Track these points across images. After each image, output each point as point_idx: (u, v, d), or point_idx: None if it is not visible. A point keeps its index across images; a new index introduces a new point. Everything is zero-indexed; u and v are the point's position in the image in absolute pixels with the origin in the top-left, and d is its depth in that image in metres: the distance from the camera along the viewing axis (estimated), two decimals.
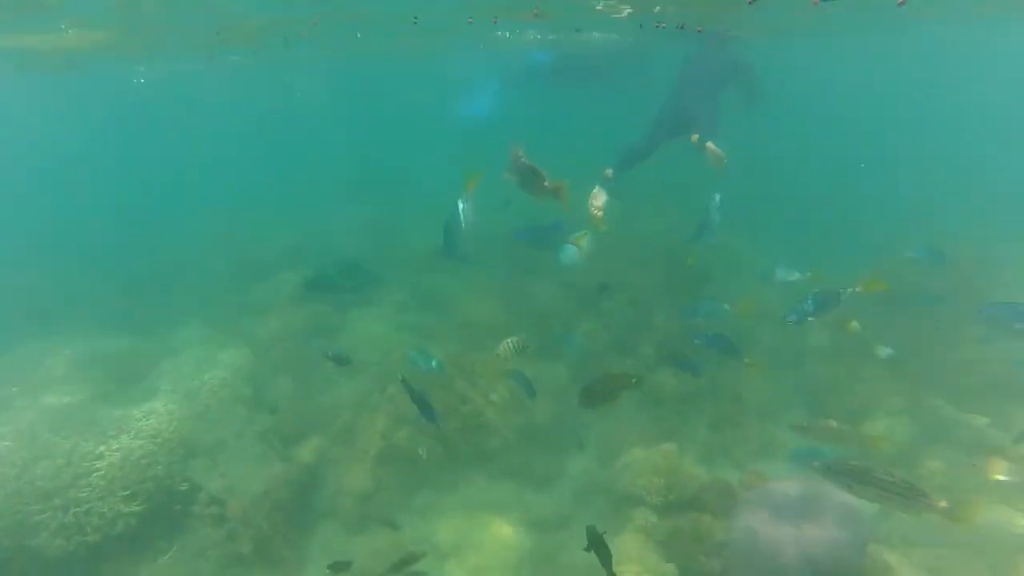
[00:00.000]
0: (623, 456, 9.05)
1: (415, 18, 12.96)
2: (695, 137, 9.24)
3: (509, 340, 7.84)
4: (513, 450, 10.15)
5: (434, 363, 8.83)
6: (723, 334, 8.98)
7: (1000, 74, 31.05)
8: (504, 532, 8.87)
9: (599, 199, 9.34)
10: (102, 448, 8.77)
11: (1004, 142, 25.77)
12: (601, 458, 10.06)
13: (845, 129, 29.52)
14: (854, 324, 10.00)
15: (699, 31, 13.90)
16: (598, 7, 12.90)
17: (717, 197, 10.32)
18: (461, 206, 8.45)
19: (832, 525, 6.63)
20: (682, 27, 13.88)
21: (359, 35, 16.64)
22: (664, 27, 14.25)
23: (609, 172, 10.32)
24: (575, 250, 9.28)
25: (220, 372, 11.01)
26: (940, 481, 8.25)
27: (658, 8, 12.75)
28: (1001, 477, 8.06)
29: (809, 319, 7.80)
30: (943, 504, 4.71)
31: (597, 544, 5.56)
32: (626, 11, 13.24)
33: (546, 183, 5.64)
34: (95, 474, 8.49)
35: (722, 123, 10.20)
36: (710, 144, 8.83)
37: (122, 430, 9.12)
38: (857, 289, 7.51)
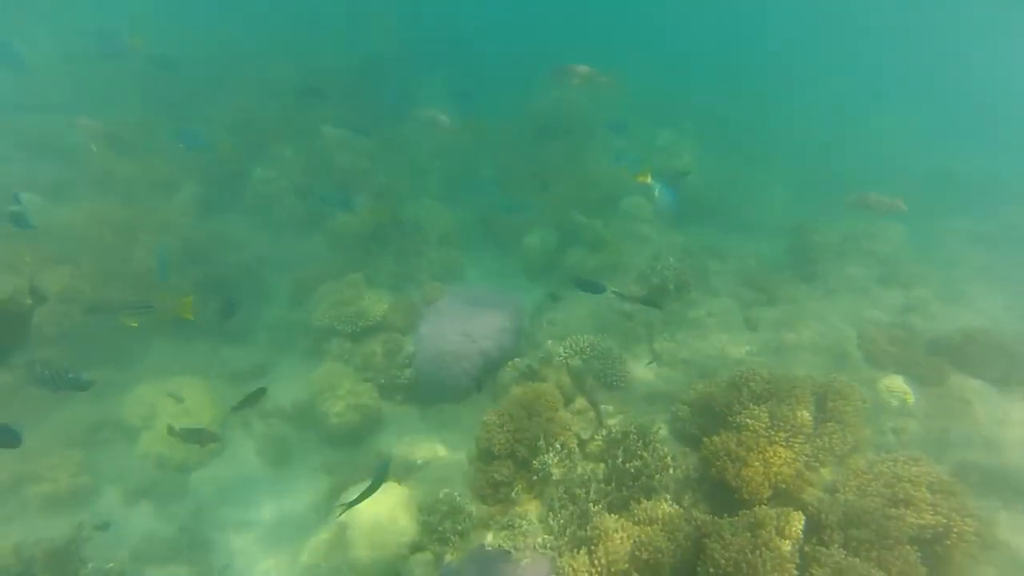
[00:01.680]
0: (313, 294, 9.13)
1: None
2: None
3: None
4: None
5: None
6: None
7: None
8: (200, 390, 8.42)
9: None
10: None
11: None
12: (293, 301, 10.00)
13: None
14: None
15: None
16: None
17: None
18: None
19: (493, 318, 7.93)
20: None
21: None
22: None
23: None
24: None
25: None
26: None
27: None
28: None
29: None
30: None
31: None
32: None
33: None
34: None
35: None
36: None
37: None
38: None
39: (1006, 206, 14.17)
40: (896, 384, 7.32)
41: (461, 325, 7.86)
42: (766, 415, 5.05)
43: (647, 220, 12.05)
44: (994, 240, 13.07)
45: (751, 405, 5.27)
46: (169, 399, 8.08)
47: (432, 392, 8.01)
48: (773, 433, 4.93)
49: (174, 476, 7.79)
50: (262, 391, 6.21)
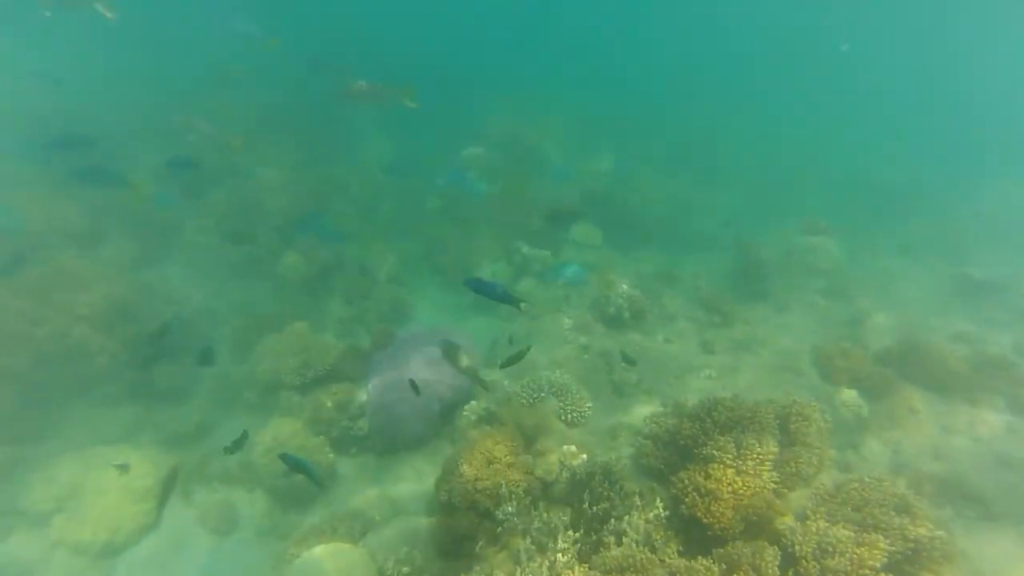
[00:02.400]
0: (257, 345, 8.63)
1: None
2: None
3: None
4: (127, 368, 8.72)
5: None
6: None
7: None
8: (132, 460, 7.71)
9: None
10: None
11: None
12: (235, 353, 9.43)
13: None
14: None
15: None
16: None
17: None
18: None
19: (446, 360, 7.65)
20: None
21: None
22: None
23: None
24: None
25: None
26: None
27: None
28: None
29: None
30: None
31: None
32: None
33: None
34: None
35: None
36: None
37: None
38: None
39: (919, 216, 15.02)
40: (851, 398, 7.43)
41: (414, 369, 7.54)
42: (732, 445, 4.95)
43: (596, 247, 12.10)
44: (914, 248, 13.71)
45: (716, 436, 5.17)
46: (111, 469, 7.39)
47: (387, 442, 7.63)
48: (741, 463, 4.83)
49: (96, 564, 7.04)
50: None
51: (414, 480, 7.46)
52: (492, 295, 5.73)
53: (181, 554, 7.26)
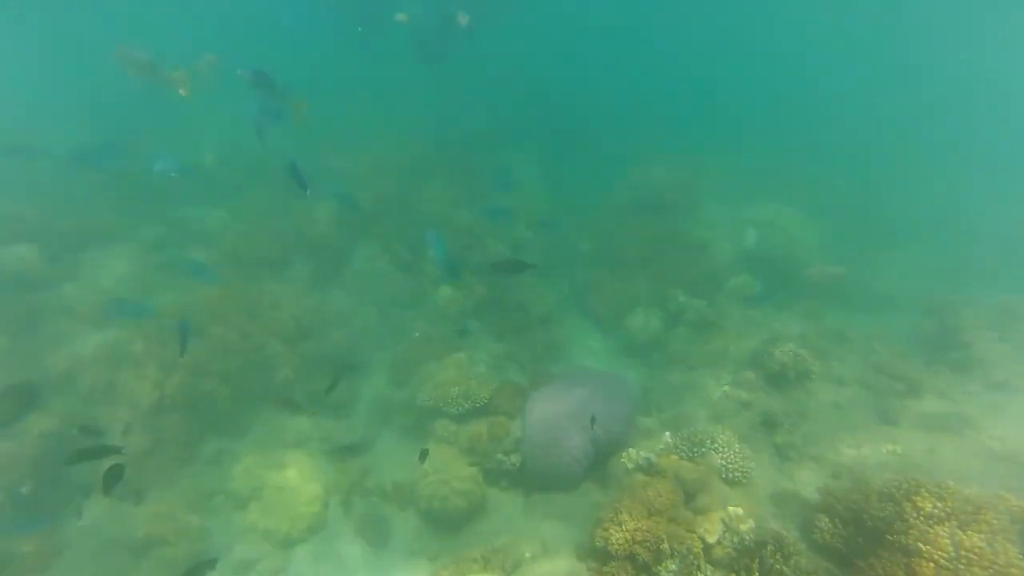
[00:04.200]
0: (417, 371, 9.21)
1: None
2: None
3: None
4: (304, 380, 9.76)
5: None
6: None
7: None
8: (305, 464, 8.57)
9: None
10: None
11: None
12: (393, 377, 10.12)
13: None
14: None
15: None
16: None
17: None
18: None
19: (603, 404, 7.63)
20: None
21: None
22: None
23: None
24: None
25: None
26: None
27: None
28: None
29: None
30: None
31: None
32: None
33: None
34: None
35: None
36: None
37: None
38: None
39: None
40: None
41: (570, 411, 7.62)
42: (947, 542, 4.37)
43: (754, 300, 11.51)
44: None
45: (921, 524, 4.60)
46: (291, 469, 8.29)
47: (539, 480, 7.71)
48: (963, 568, 4.20)
49: (277, 551, 7.84)
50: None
51: (562, 520, 7.42)
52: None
53: (342, 558, 7.86)
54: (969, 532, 4.46)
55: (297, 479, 8.30)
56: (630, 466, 6.94)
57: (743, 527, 5.59)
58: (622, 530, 5.69)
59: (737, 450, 7.09)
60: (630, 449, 7.23)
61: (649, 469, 6.68)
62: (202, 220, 12.91)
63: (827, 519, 5.57)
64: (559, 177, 16.19)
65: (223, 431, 9.09)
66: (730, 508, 5.86)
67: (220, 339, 9.15)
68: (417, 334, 10.34)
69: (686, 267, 12.01)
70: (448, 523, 7.80)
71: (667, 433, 7.49)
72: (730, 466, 6.90)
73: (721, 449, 7.04)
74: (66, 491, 7.85)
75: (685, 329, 10.68)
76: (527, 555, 6.75)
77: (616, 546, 5.66)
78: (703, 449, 7.01)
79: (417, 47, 15.04)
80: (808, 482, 6.99)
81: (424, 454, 6.94)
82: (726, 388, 8.86)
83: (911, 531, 4.54)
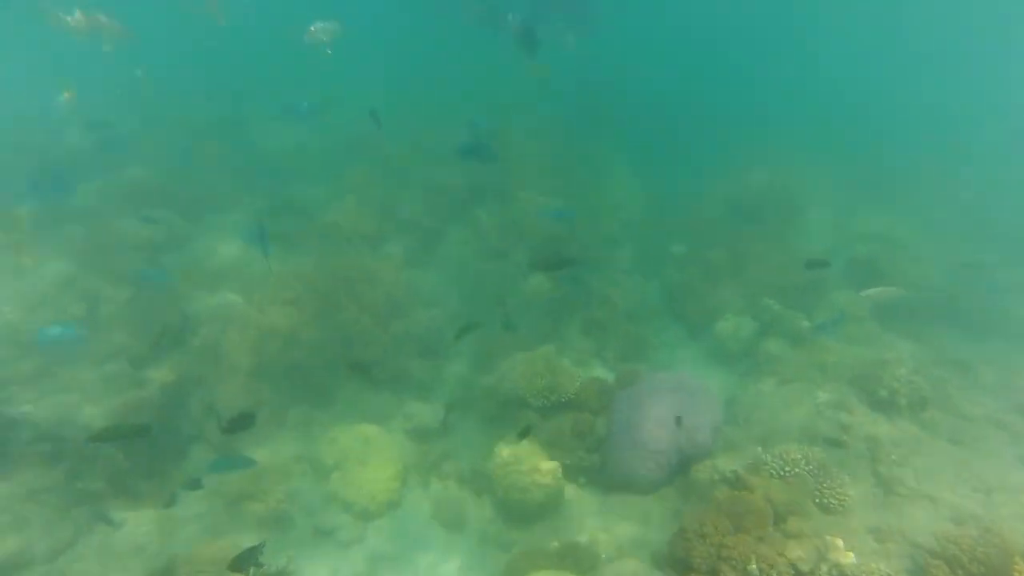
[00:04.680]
0: (504, 360, 9.23)
1: None
2: None
3: None
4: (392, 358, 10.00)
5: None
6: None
7: None
8: (387, 442, 8.83)
9: None
10: None
11: None
12: (481, 363, 10.20)
13: None
14: None
15: None
16: None
17: None
18: None
19: (690, 411, 7.39)
20: None
21: None
22: None
23: None
24: None
25: None
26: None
27: None
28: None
29: None
30: None
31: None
32: None
33: None
34: None
35: None
36: None
37: None
38: None
39: None
40: None
41: (657, 415, 7.43)
42: None
43: (862, 319, 10.72)
44: None
45: None
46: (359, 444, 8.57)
47: (622, 481, 7.59)
48: None
49: (356, 523, 8.11)
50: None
51: (639, 523, 7.28)
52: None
53: (417, 537, 8.05)
54: None
55: (379, 455, 8.56)
56: (716, 477, 6.69)
57: (844, 560, 5.25)
58: (706, 543, 5.51)
59: (835, 475, 6.66)
60: (715, 459, 6.97)
61: (736, 483, 6.41)
62: (305, 194, 13.49)
63: (945, 567, 5.13)
64: (654, 177, 15.77)
65: (312, 401, 9.46)
66: (827, 537, 5.51)
67: (317, 309, 9.55)
68: (504, 322, 10.38)
69: (783, 276, 11.39)
70: (523, 514, 7.81)
71: (759, 448, 7.14)
72: (825, 491, 6.50)
73: (816, 472, 6.64)
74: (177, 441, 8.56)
75: (779, 340, 10.14)
76: (603, 556, 6.68)
77: (699, 559, 5.48)
78: (796, 469, 6.64)
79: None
80: (919, 522, 6.44)
81: (525, 431, 6.93)
82: (823, 407, 8.34)
83: None
